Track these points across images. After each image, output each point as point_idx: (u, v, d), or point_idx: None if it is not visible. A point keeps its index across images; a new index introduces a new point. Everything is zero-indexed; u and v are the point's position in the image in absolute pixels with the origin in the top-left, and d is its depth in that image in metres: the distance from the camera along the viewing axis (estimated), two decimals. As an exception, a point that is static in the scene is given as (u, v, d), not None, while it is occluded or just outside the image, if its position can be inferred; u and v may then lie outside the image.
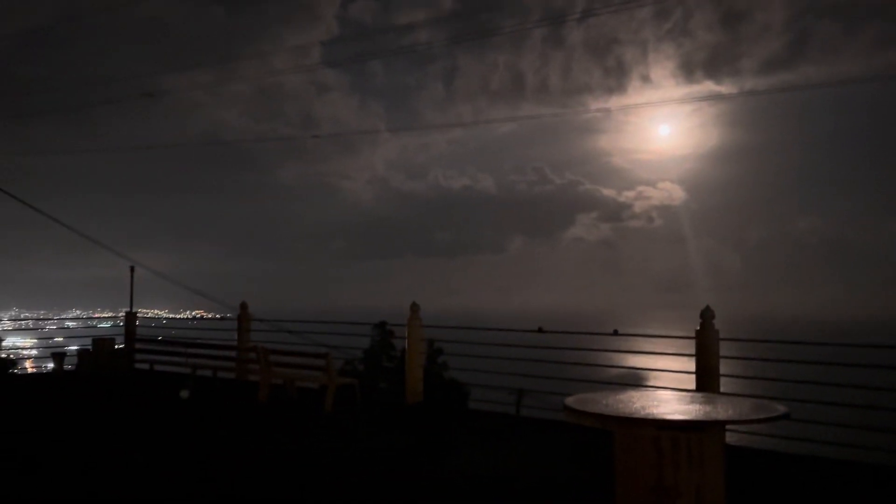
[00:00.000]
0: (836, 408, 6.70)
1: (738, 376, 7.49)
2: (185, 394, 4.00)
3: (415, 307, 9.19)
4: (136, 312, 13.02)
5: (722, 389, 6.86)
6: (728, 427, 3.80)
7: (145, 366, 11.82)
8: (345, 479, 5.60)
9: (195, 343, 11.36)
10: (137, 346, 12.16)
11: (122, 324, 13.08)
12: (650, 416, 3.73)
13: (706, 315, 6.86)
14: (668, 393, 4.57)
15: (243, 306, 11.53)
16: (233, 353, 10.72)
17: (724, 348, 7.05)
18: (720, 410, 3.88)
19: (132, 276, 13.69)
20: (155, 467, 5.86)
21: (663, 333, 9.15)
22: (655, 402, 4.12)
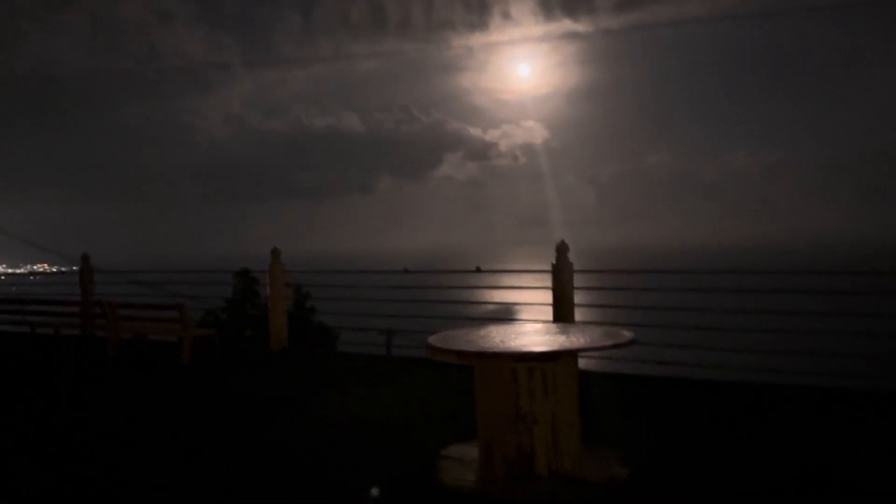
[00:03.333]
0: (681, 330, 7.23)
1: (591, 305, 7.89)
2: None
3: (276, 252, 8.91)
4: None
5: (577, 319, 7.19)
6: (581, 354, 3.96)
7: (-24, 327, 10.71)
8: (199, 427, 5.38)
9: (34, 299, 10.43)
10: (-35, 306, 10.95)
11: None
12: (507, 350, 3.81)
13: (561, 249, 7.11)
14: (525, 325, 4.71)
15: (85, 258, 10.66)
16: (76, 309, 9.93)
17: (579, 279, 7.38)
18: (573, 340, 4.04)
19: (-46, 230, 12.26)
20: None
21: (526, 268, 9.45)
22: (513, 335, 4.22)
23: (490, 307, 10.76)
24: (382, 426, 5.26)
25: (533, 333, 4.31)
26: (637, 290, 7.73)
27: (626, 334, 4.06)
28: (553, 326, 4.64)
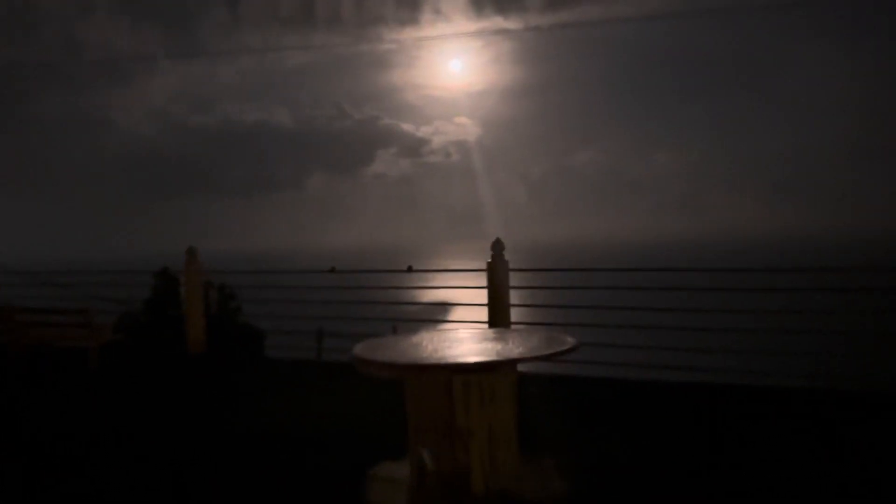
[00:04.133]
0: (620, 329, 7.09)
1: (527, 305, 7.69)
2: None
3: (192, 252, 8.41)
4: None
5: (513, 319, 6.96)
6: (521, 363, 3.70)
7: None
8: (104, 440, 4.88)
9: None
10: None
11: None
12: (441, 361, 3.50)
13: (497, 248, 6.85)
14: (460, 331, 4.40)
15: (-17, 259, 9.81)
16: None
17: (514, 278, 7.15)
18: (511, 348, 3.76)
19: None
20: None
21: (461, 265, 9.20)
22: (447, 343, 3.91)
23: (424, 308, 10.46)
24: (304, 440, 4.87)
25: (468, 341, 4.01)
26: (574, 289, 7.57)
27: (568, 340, 3.81)
28: (490, 332, 4.36)
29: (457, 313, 8.71)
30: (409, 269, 8.26)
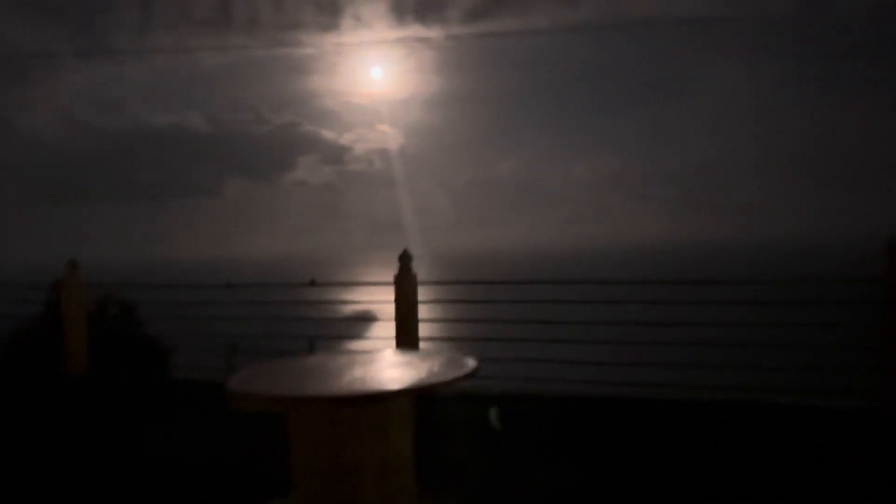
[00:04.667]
0: (533, 343, 6.91)
1: (438, 320, 7.43)
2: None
3: (73, 265, 7.77)
4: None
5: (422, 334, 6.65)
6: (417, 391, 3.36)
7: None
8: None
9: None
10: None
11: None
12: (324, 394, 3.13)
13: (404, 259, 6.52)
14: (356, 355, 4.03)
15: None
16: None
17: (427, 292, 6.86)
18: (408, 374, 3.42)
19: None
20: None
21: (384, 275, 8.82)
22: (337, 369, 3.53)
23: (340, 323, 10.05)
24: (185, 475, 4.40)
25: (361, 365, 3.65)
26: (487, 303, 7.35)
27: (469, 363, 3.50)
28: (387, 355, 4.00)
29: (373, 328, 8.34)
30: (312, 283, 7.82)
